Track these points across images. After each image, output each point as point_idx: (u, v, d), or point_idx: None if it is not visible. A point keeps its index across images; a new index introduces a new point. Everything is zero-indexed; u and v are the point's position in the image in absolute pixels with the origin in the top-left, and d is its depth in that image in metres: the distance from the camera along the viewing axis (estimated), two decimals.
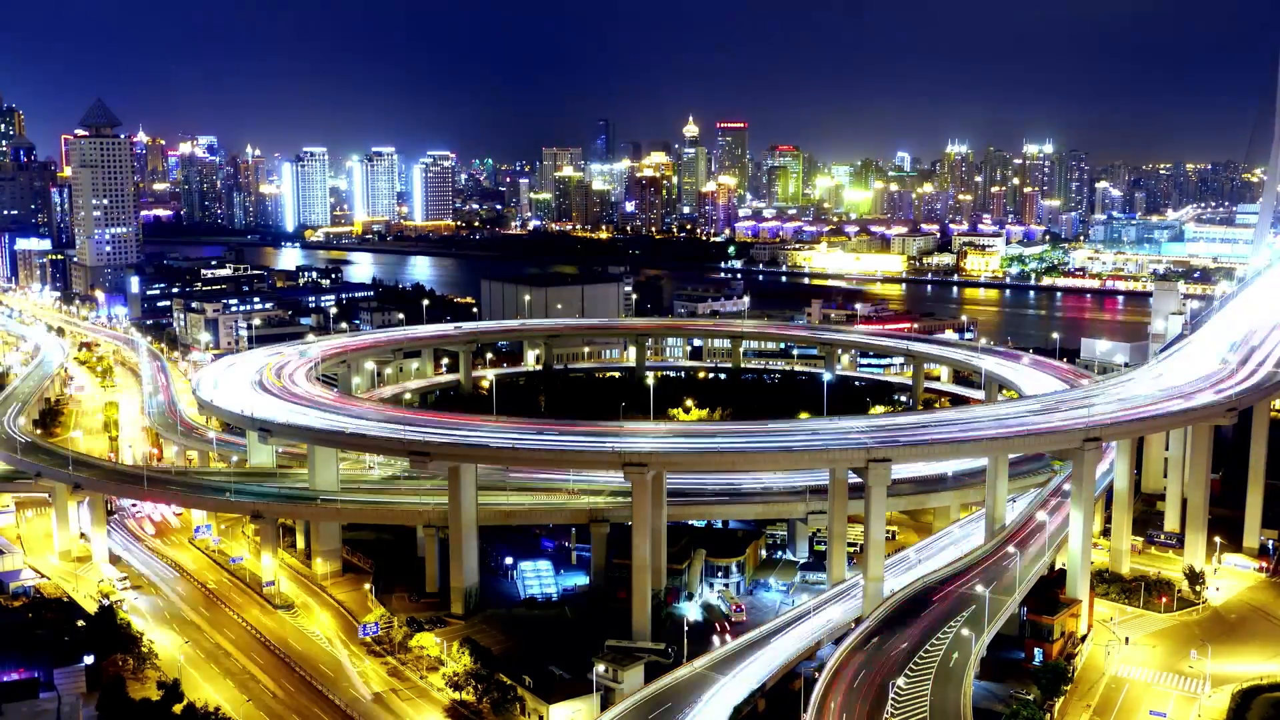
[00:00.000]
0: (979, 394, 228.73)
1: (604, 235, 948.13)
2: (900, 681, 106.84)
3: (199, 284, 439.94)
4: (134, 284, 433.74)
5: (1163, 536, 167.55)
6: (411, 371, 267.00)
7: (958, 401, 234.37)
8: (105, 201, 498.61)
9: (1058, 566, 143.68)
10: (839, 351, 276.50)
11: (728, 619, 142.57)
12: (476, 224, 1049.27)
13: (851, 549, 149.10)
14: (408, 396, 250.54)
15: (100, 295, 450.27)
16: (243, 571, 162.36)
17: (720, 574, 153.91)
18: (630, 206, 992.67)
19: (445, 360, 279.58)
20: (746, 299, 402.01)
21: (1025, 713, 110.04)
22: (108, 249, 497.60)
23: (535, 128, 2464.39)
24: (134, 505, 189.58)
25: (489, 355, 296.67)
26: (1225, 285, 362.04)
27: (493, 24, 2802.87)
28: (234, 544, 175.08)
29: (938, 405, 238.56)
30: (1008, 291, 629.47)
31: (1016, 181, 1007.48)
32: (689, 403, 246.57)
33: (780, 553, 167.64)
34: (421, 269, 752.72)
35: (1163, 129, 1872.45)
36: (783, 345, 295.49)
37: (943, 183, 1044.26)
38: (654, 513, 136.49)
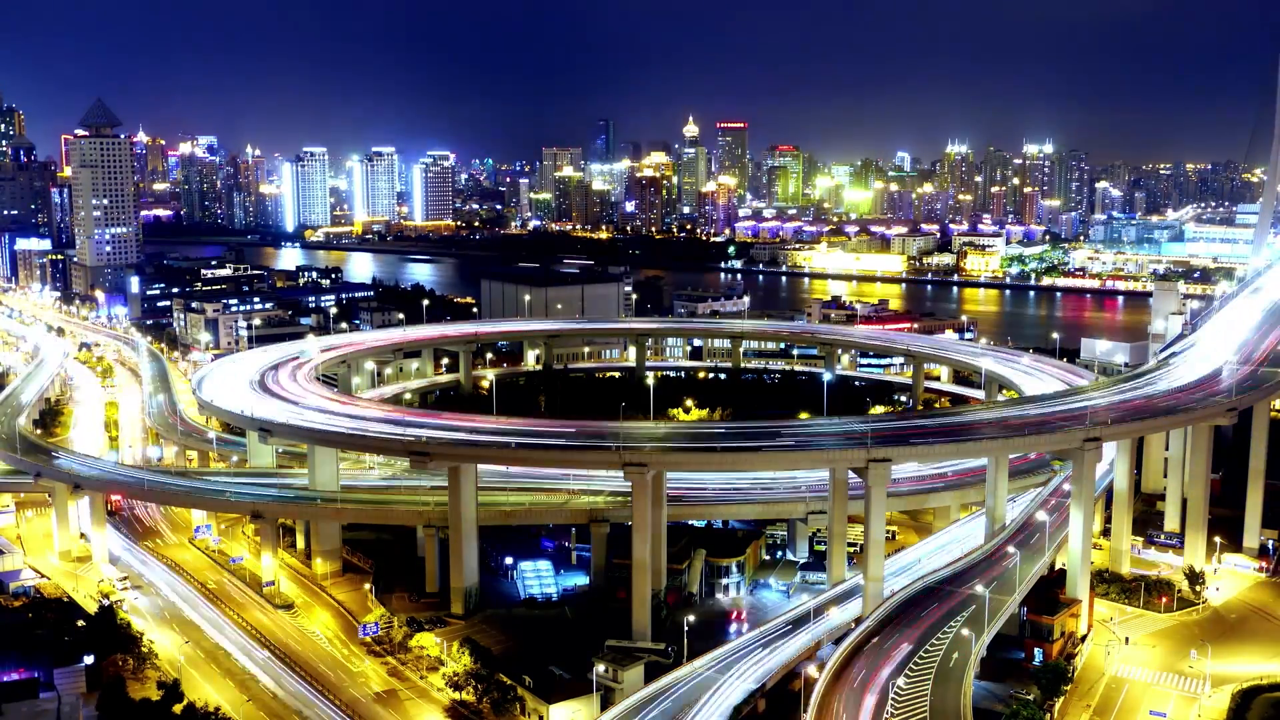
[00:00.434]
0: (979, 394, 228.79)
1: (604, 235, 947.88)
2: (900, 681, 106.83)
3: (199, 284, 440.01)
4: (134, 284, 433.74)
5: (1163, 536, 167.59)
6: (411, 371, 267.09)
7: (958, 401, 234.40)
8: (105, 201, 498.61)
9: (1058, 566, 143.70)
10: (839, 351, 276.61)
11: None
12: (476, 224, 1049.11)
13: (851, 549, 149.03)
14: (408, 396, 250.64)
15: (100, 295, 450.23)
16: (243, 571, 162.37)
17: (721, 574, 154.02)
18: (630, 206, 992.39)
19: (445, 360, 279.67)
20: (746, 299, 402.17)
21: (1025, 713, 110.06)
22: (108, 249, 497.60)
23: (535, 128, 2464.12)
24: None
25: (489, 355, 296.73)
26: (1225, 285, 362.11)
27: (493, 24, 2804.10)
28: (234, 544, 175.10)
29: (938, 405, 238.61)
30: (1008, 291, 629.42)
31: (1016, 181, 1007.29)
32: (689, 403, 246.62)
33: (780, 553, 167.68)
34: (421, 269, 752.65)
35: (1163, 129, 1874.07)
36: (783, 345, 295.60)
37: (943, 183, 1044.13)
38: (654, 513, 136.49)
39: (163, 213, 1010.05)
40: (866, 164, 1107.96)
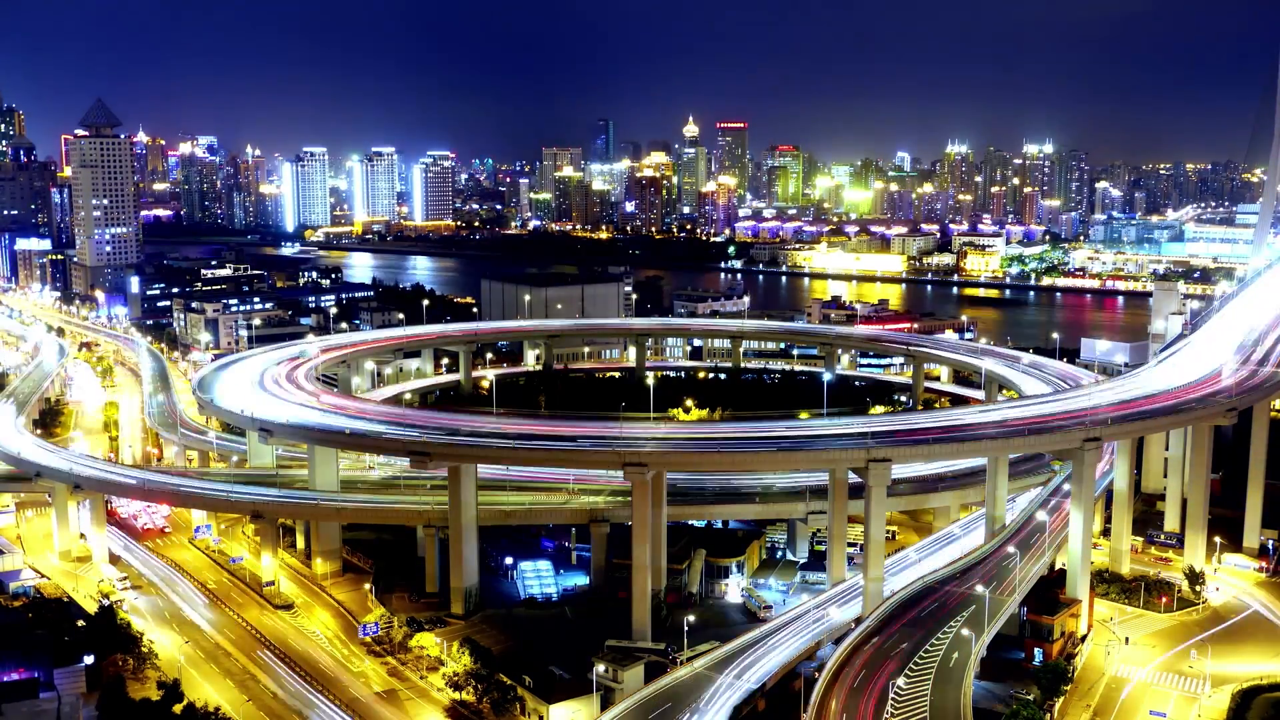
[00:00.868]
0: (979, 394, 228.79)
1: (604, 235, 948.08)
2: (900, 681, 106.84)
3: (199, 284, 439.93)
4: (134, 284, 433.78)
5: (1163, 536, 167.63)
6: (411, 371, 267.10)
7: (958, 401, 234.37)
8: (105, 201, 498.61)
9: (1058, 566, 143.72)
10: (839, 351, 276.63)
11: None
12: (476, 224, 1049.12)
13: (851, 549, 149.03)
14: (408, 396, 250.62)
15: (100, 295, 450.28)
16: (243, 571, 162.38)
17: (721, 574, 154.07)
18: (630, 206, 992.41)
19: (445, 360, 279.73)
20: (746, 299, 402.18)
21: (1025, 713, 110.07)
22: (108, 249, 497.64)
23: (535, 128, 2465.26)
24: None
25: (489, 355, 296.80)
26: (1225, 285, 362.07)
27: (493, 24, 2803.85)
28: (234, 544, 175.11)
29: (938, 405, 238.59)
30: (1008, 291, 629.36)
31: (1016, 181, 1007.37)
32: (689, 403, 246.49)
33: (780, 553, 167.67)
34: (421, 269, 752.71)
35: (1163, 129, 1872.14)
36: (783, 345, 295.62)
37: (943, 183, 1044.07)
38: (654, 513, 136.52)
39: (163, 213, 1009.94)
40: (866, 164, 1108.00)
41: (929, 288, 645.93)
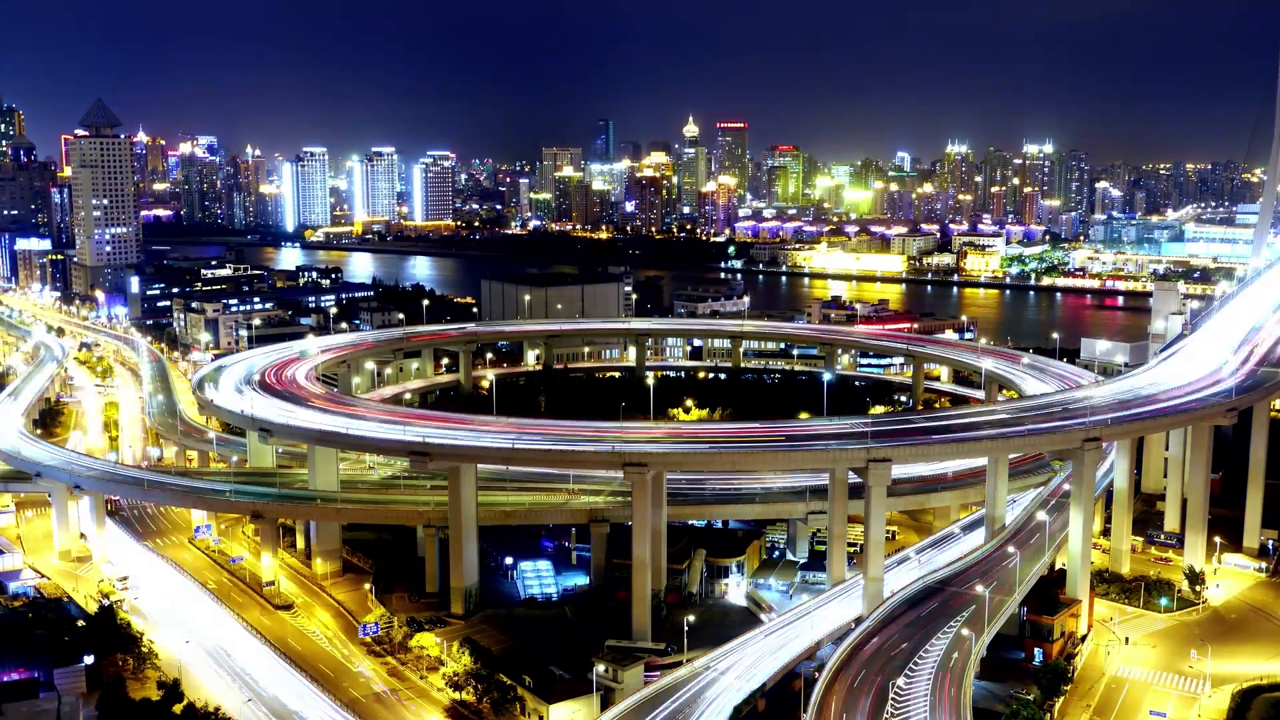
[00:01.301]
0: (979, 394, 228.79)
1: (604, 235, 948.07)
2: (900, 681, 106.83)
3: (199, 284, 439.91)
4: (134, 284, 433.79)
5: (1163, 536, 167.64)
6: (411, 371, 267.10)
7: (958, 401, 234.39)
8: (105, 201, 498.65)
9: (1058, 566, 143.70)
10: (839, 351, 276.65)
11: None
12: (476, 224, 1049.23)
13: (851, 549, 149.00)
14: (408, 396, 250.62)
15: (100, 295, 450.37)
16: (243, 571, 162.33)
17: (721, 574, 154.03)
18: (630, 206, 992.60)
19: (445, 360, 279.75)
20: (746, 299, 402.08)
21: (1025, 713, 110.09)
22: (108, 249, 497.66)
23: (535, 128, 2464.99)
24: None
25: (489, 355, 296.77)
26: (1225, 285, 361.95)
27: (493, 24, 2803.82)
28: (234, 544, 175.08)
29: (938, 405, 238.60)
30: (1008, 291, 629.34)
31: (1016, 181, 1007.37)
32: (689, 403, 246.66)
33: (778, 552, 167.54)
34: (421, 269, 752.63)
35: (1163, 129, 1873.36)
36: (783, 345, 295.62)
37: (943, 183, 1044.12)
38: (654, 513, 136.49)
39: (163, 213, 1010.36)
40: (866, 164, 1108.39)
41: (929, 288, 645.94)
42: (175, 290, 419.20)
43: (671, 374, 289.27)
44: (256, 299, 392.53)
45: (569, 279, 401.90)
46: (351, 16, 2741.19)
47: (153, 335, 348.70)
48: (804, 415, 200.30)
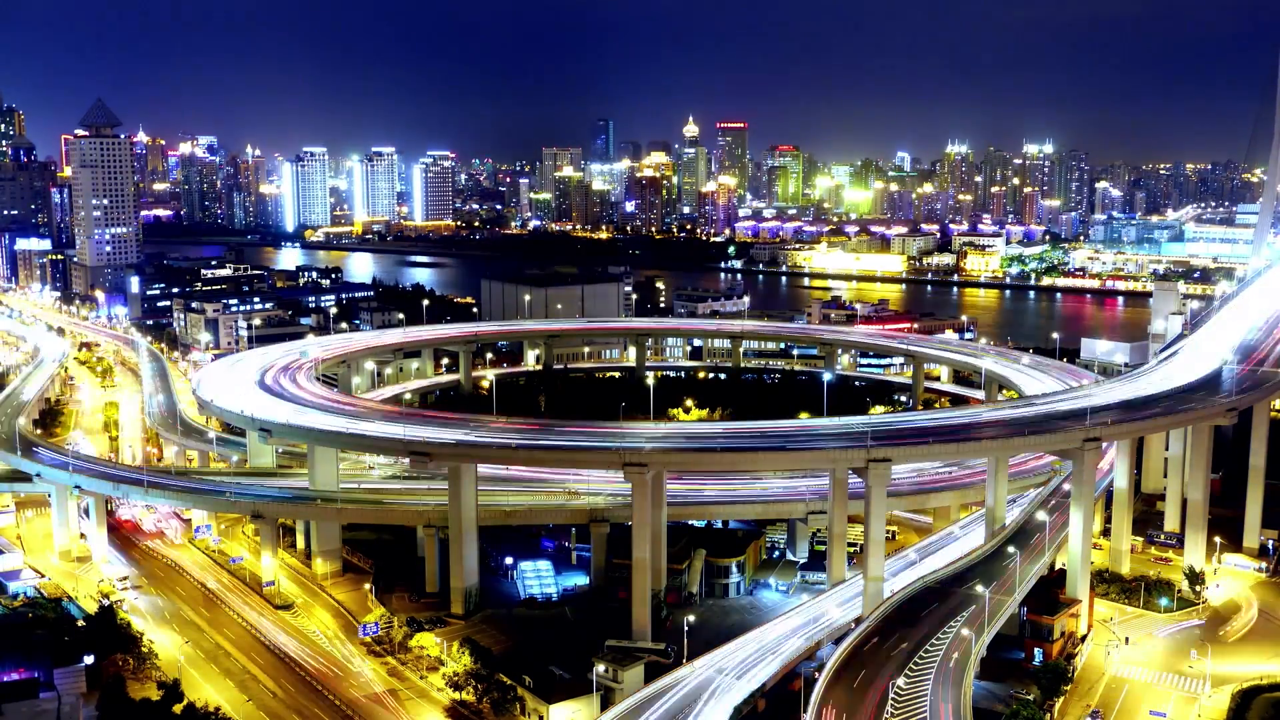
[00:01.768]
0: (979, 394, 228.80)
1: (604, 235, 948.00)
2: (900, 681, 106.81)
3: (199, 284, 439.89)
4: (134, 284, 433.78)
5: (1163, 536, 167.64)
6: (411, 371, 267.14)
7: (958, 401, 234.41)
8: (105, 201, 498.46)
9: (1058, 566, 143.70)
10: (839, 351, 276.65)
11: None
12: (476, 224, 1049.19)
13: (851, 549, 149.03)
14: (408, 396, 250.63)
15: (100, 295, 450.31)
16: (243, 571, 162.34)
17: (721, 574, 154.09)
18: (630, 206, 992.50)
19: (445, 360, 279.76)
20: (746, 299, 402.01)
21: (1025, 713, 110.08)
22: (108, 249, 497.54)
23: (535, 128, 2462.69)
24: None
25: (489, 355, 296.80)
26: (1225, 285, 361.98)
27: (493, 24, 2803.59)
28: (234, 544, 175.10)
29: (938, 405, 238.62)
30: (1008, 291, 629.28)
31: (1016, 181, 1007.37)
32: (689, 403, 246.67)
33: (777, 552, 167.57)
34: (421, 269, 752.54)
35: (1163, 129, 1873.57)
36: (783, 345, 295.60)
37: (943, 183, 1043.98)
38: (654, 513, 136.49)
39: (163, 213, 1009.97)
40: (866, 164, 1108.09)
41: (929, 288, 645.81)
42: (175, 290, 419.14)
43: (671, 374, 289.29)
44: (256, 299, 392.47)
45: (569, 279, 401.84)
46: (352, 17, 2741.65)
47: (153, 335, 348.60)
48: (804, 415, 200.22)
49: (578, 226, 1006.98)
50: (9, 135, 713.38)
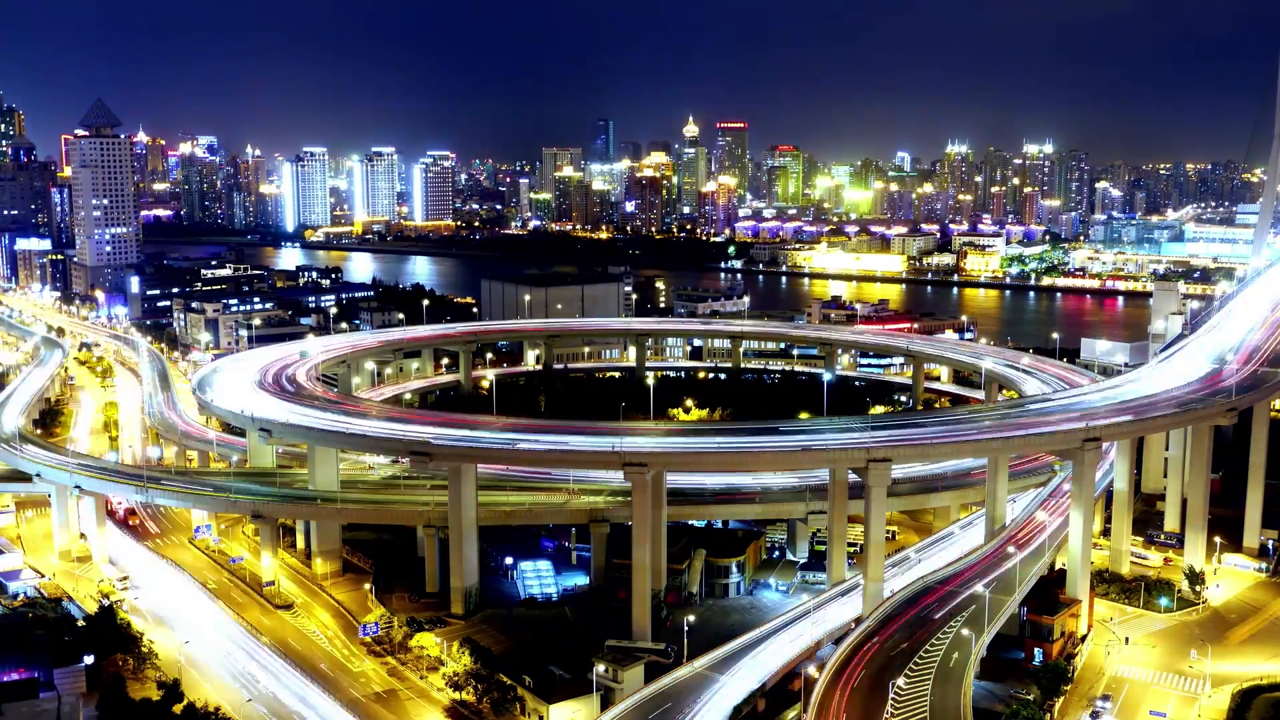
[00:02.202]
0: (979, 394, 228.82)
1: (604, 235, 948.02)
2: (900, 681, 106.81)
3: (199, 284, 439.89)
4: (134, 284, 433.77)
5: (1163, 536, 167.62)
6: (411, 371, 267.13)
7: (958, 401, 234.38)
8: (105, 201, 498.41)
9: (1058, 566, 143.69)
10: (839, 351, 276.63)
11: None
12: (476, 224, 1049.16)
13: (851, 549, 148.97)
14: (408, 396, 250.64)
15: (100, 295, 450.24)
16: (243, 571, 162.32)
17: (721, 574, 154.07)
18: (630, 206, 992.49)
19: (445, 360, 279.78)
20: (746, 299, 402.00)
21: (1025, 713, 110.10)
22: (108, 249, 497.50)
23: (535, 128, 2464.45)
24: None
25: (489, 355, 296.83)
26: (1225, 285, 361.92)
27: (493, 24, 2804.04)
28: (234, 544, 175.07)
29: (938, 405, 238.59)
30: (1008, 291, 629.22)
31: (1016, 181, 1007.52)
32: (689, 403, 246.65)
33: (777, 552, 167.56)
34: (421, 269, 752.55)
35: (1163, 129, 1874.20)
36: (783, 345, 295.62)
37: (943, 183, 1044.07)
38: (654, 513, 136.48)
39: (163, 213, 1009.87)
40: (866, 164, 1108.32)
41: (929, 288, 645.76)
42: (175, 290, 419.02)
43: (671, 374, 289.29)
44: (256, 299, 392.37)
45: (569, 279, 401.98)
46: (352, 17, 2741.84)
47: (153, 335, 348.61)
48: (804, 415, 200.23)
49: (578, 226, 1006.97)
50: (9, 135, 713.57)
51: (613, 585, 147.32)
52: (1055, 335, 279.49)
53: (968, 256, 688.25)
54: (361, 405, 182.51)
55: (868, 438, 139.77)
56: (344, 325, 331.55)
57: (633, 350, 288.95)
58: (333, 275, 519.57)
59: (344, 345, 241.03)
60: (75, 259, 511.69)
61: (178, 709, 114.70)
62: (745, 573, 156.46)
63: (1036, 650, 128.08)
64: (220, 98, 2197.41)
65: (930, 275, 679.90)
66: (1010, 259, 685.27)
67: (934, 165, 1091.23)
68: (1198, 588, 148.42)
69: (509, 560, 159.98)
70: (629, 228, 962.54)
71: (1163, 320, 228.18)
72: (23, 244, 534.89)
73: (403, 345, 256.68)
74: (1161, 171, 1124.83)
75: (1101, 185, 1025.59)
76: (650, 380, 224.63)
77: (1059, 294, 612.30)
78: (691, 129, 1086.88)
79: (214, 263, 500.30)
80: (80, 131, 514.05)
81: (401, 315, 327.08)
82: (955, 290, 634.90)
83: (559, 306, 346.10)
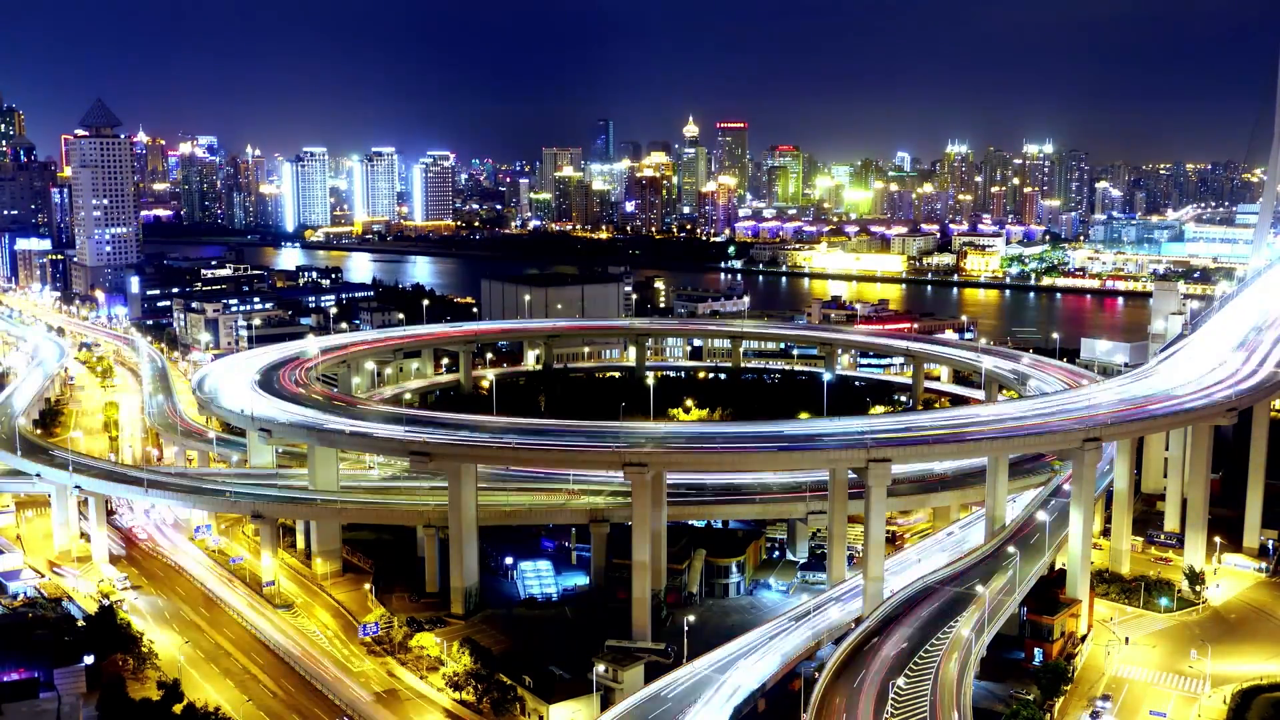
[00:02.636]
0: (979, 394, 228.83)
1: (604, 235, 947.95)
2: (900, 681, 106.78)
3: (199, 284, 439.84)
4: (134, 284, 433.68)
5: (1163, 536, 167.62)
6: (411, 371, 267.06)
7: (958, 401, 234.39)
8: (105, 201, 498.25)
9: (1058, 566, 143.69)
10: (839, 351, 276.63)
11: None
12: (476, 224, 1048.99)
13: (851, 551, 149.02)
14: (408, 396, 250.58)
15: (100, 295, 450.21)
16: (243, 571, 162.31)
17: (721, 574, 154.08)
18: (630, 206, 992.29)
19: (445, 360, 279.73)
20: (746, 299, 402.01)
21: (1025, 713, 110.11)
22: (108, 249, 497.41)
23: (535, 128, 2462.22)
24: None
25: (489, 355, 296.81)
26: (1225, 285, 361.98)
27: (493, 24, 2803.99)
28: (234, 544, 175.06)
29: (938, 405, 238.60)
30: (1008, 292, 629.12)
31: (1016, 181, 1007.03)
32: (689, 403, 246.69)
33: (777, 552, 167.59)
34: (421, 269, 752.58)
35: (1163, 129, 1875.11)
36: (783, 345, 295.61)
37: (943, 183, 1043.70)
38: (654, 513, 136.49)
39: (163, 213, 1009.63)
40: (866, 164, 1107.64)
41: (929, 288, 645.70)
42: (175, 290, 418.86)
43: (671, 374, 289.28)
44: (256, 299, 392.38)
45: (569, 279, 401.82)
46: (352, 16, 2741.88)
47: (153, 335, 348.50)
48: (804, 415, 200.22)
49: (578, 226, 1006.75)
50: (9, 135, 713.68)
51: (613, 585, 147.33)
52: (1055, 335, 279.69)
53: (968, 256, 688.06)
54: (361, 405, 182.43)
55: (868, 438, 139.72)
56: (344, 325, 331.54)
57: (633, 350, 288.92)
58: (333, 275, 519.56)
59: (344, 345, 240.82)
60: (75, 259, 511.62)
61: (178, 709, 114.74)
62: (745, 573, 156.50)
63: (1036, 650, 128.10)
64: (220, 98, 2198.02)
65: (930, 275, 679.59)
66: (1010, 259, 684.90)
67: (934, 165, 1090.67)
68: (1198, 588, 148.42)
69: (509, 560, 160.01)
70: (629, 228, 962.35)
71: (1163, 320, 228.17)
72: (23, 244, 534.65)
73: (403, 345, 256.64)
74: (1161, 171, 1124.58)
75: (1101, 185, 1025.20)
76: (650, 380, 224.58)
77: (1059, 294, 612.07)
78: (691, 129, 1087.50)
79: (214, 263, 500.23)
80: (80, 131, 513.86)
81: (401, 315, 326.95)
82: (955, 290, 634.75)
83: (559, 306, 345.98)
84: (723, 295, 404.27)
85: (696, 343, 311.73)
